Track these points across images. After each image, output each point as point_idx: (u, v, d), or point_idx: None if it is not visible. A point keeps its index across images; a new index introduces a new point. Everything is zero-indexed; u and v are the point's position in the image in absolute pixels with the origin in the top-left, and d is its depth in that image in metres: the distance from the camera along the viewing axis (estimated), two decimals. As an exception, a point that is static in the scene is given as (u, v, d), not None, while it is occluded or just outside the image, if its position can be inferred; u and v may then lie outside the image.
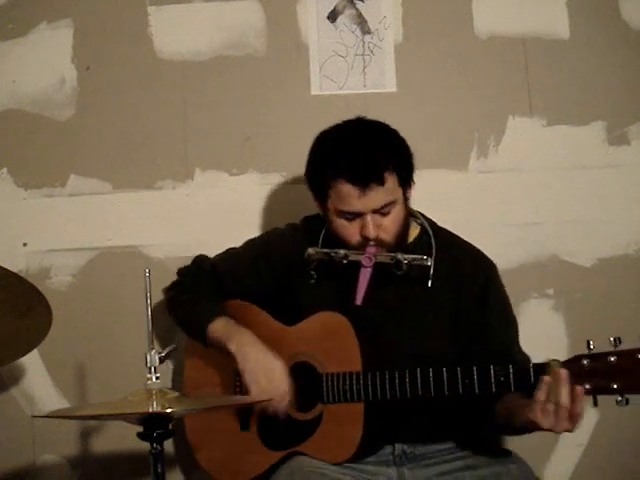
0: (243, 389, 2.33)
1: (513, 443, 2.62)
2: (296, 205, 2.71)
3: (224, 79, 2.82)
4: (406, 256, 2.24)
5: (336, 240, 2.30)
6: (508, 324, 2.38)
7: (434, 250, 2.32)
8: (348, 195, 2.21)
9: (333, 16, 2.81)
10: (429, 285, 2.29)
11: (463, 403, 2.22)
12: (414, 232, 2.38)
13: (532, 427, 2.06)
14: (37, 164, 2.81)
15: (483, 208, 2.78)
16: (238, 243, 2.53)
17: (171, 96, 2.82)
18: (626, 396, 1.96)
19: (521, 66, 2.80)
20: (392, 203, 2.24)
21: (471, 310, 2.32)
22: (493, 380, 2.10)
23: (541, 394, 2.03)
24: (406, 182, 2.28)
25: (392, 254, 2.24)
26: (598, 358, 1.99)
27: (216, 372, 2.41)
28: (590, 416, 2.72)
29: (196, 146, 2.81)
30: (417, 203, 2.39)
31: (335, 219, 2.27)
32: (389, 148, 2.26)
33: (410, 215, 2.36)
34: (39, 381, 2.77)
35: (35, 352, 2.61)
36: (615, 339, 1.98)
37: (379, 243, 2.24)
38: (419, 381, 2.16)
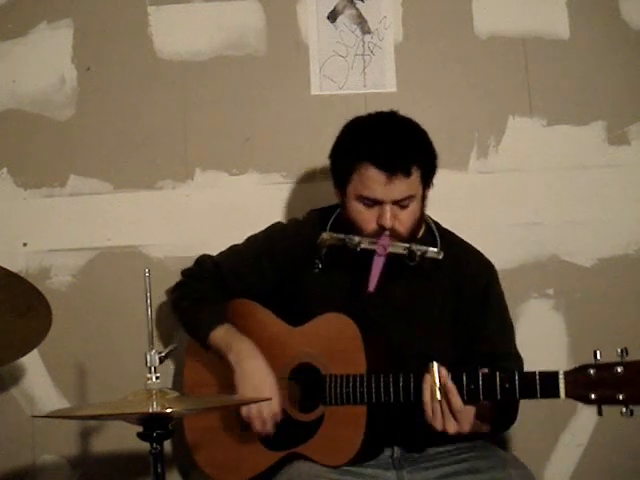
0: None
1: (513, 443, 2.62)
2: (296, 205, 2.71)
3: (224, 79, 2.82)
4: (420, 247, 2.24)
5: (348, 228, 2.29)
6: (505, 326, 2.40)
7: (438, 247, 2.32)
8: (373, 180, 2.22)
9: (333, 16, 2.81)
10: (434, 278, 2.31)
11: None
12: (420, 231, 2.39)
13: (434, 431, 2.11)
14: (37, 164, 2.81)
15: (483, 208, 2.78)
16: (238, 243, 2.53)
17: (171, 96, 2.82)
18: (631, 407, 1.96)
19: (521, 66, 2.80)
20: (412, 197, 2.26)
21: (471, 311, 2.34)
22: (498, 387, 2.08)
23: (425, 394, 2.10)
24: (428, 181, 2.30)
25: (406, 244, 2.24)
26: (605, 368, 1.99)
27: (216, 373, 2.41)
28: (590, 416, 2.72)
29: (196, 146, 2.81)
30: (417, 203, 2.39)
31: (353, 204, 2.27)
32: (419, 144, 2.29)
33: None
34: (39, 381, 2.77)
35: (35, 352, 2.61)
36: (622, 350, 1.98)
37: (393, 234, 2.24)
38: (424, 385, 2.14)
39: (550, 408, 2.66)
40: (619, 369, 1.97)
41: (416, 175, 2.25)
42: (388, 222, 2.23)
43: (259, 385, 2.27)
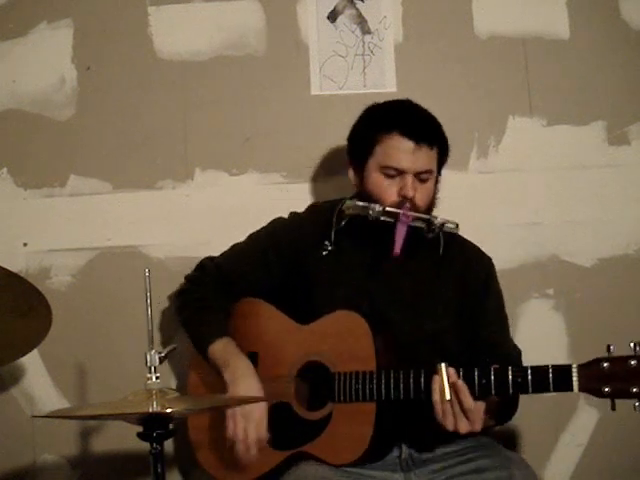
0: None
1: (514, 443, 2.62)
2: (296, 205, 2.71)
3: (224, 79, 2.82)
4: (439, 219, 2.28)
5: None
6: (503, 319, 2.44)
7: (442, 242, 2.37)
8: (399, 149, 2.27)
9: (333, 16, 2.81)
10: (441, 268, 2.35)
11: None
12: None
13: (445, 431, 2.11)
14: (37, 164, 2.81)
15: (483, 208, 2.78)
16: (239, 242, 2.53)
17: (171, 96, 2.82)
18: None
19: (521, 66, 2.80)
20: (431, 172, 2.32)
21: (472, 302, 2.36)
22: (510, 382, 2.08)
23: (435, 395, 2.10)
24: (442, 163, 2.36)
25: (426, 215, 2.28)
26: (618, 362, 1.99)
27: (219, 384, 2.37)
28: (590, 416, 2.73)
29: (196, 146, 2.81)
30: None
31: (374, 177, 2.31)
32: (439, 126, 2.36)
33: None
34: (39, 381, 2.77)
35: (35, 352, 2.61)
36: (635, 344, 1.98)
37: (413, 207, 2.27)
38: (433, 386, 2.13)
39: (550, 408, 2.66)
40: (632, 362, 1.97)
41: (436, 152, 2.32)
42: (410, 192, 2.27)
43: (248, 408, 2.25)
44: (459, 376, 2.11)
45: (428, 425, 2.15)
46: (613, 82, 2.80)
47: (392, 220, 2.25)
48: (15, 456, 2.76)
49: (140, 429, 1.90)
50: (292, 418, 2.29)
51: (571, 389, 2.03)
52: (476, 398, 2.10)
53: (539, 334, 2.72)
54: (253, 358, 2.35)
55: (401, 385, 2.17)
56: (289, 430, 2.29)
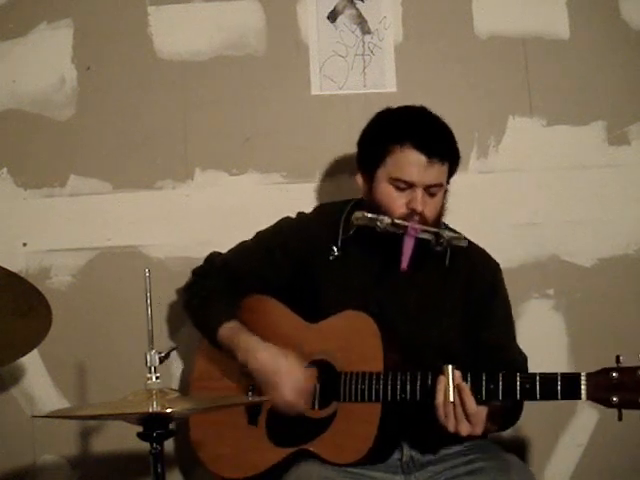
0: (256, 389, 2.34)
1: (514, 443, 2.62)
2: (296, 205, 2.71)
3: (224, 79, 2.82)
4: (447, 233, 2.27)
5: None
6: (509, 324, 2.42)
7: (449, 252, 2.35)
8: (410, 163, 2.24)
9: (333, 16, 2.81)
10: (448, 274, 2.34)
11: None
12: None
13: (446, 432, 2.11)
14: (37, 164, 2.81)
15: (483, 208, 2.78)
16: (247, 239, 2.53)
17: (171, 96, 2.82)
18: None
19: (521, 66, 2.80)
20: (441, 186, 2.30)
21: (479, 306, 2.35)
22: (518, 387, 2.08)
23: (439, 396, 2.10)
24: (451, 176, 2.34)
25: (434, 229, 2.26)
26: (627, 372, 1.99)
27: (226, 370, 2.40)
28: (590, 416, 2.73)
29: (196, 146, 2.81)
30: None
31: (383, 187, 2.29)
32: (452, 138, 2.33)
33: None
34: (39, 381, 2.77)
35: (35, 352, 2.60)
36: None
37: (422, 219, 2.26)
38: (437, 387, 2.13)
39: (550, 409, 2.66)
40: None
41: (446, 166, 2.29)
42: (419, 206, 2.25)
43: (275, 374, 2.26)
44: (467, 379, 2.11)
45: (432, 427, 2.15)
46: (613, 82, 2.80)
47: (400, 232, 2.24)
48: (15, 456, 2.76)
49: (140, 429, 1.90)
50: (295, 415, 2.28)
51: (579, 397, 2.03)
52: (482, 402, 2.10)
53: (539, 334, 2.72)
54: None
55: (408, 387, 2.17)
56: (292, 427, 2.28)
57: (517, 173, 2.80)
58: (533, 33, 2.81)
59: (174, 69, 2.82)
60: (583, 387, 2.02)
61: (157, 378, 1.92)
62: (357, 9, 2.81)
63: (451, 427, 2.10)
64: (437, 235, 2.25)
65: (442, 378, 2.11)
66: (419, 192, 2.25)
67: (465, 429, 2.10)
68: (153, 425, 1.88)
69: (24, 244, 2.79)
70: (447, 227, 2.40)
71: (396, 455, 2.28)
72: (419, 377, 2.17)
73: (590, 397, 2.02)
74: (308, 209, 2.54)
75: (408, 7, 2.81)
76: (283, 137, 2.81)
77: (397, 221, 2.25)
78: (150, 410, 1.84)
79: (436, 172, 2.26)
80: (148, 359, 1.93)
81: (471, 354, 2.30)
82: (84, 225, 2.79)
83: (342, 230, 2.38)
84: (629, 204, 2.78)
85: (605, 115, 2.79)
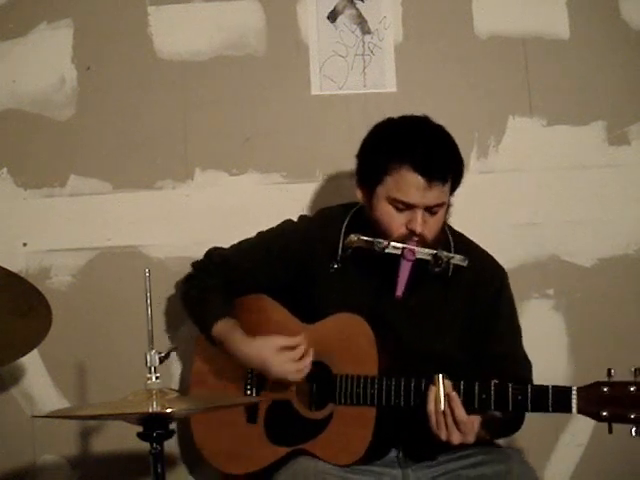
0: (254, 382, 2.35)
1: (514, 443, 2.62)
2: (296, 205, 2.71)
3: (224, 79, 2.82)
4: (446, 254, 2.23)
5: (367, 228, 2.27)
6: (515, 331, 2.39)
7: (451, 265, 2.29)
8: (410, 185, 2.18)
9: (333, 16, 2.81)
10: (450, 283, 2.29)
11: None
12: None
13: (439, 441, 2.12)
14: (37, 164, 2.81)
15: (483, 208, 2.78)
16: (249, 237, 2.53)
17: (171, 96, 2.82)
18: None
19: (521, 66, 2.80)
20: (442, 205, 2.24)
21: (483, 315, 2.33)
22: (510, 398, 2.08)
23: (430, 405, 2.10)
24: (455, 189, 2.28)
25: (433, 250, 2.22)
26: (618, 386, 2.00)
27: (224, 367, 2.41)
28: (590, 416, 2.73)
29: (196, 146, 2.81)
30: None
31: (383, 206, 2.23)
32: (455, 154, 2.27)
33: None
34: (39, 381, 2.77)
35: (35, 352, 2.61)
36: (636, 369, 1.99)
37: (421, 240, 2.22)
38: (429, 396, 2.13)
39: (550, 408, 2.66)
40: (632, 388, 1.98)
41: (449, 184, 2.23)
42: (419, 227, 2.20)
43: (260, 355, 2.27)
44: (460, 389, 2.11)
45: (427, 433, 2.15)
46: (613, 82, 2.80)
47: (398, 253, 2.21)
48: (15, 456, 2.76)
49: (140, 429, 1.90)
50: (293, 415, 2.30)
51: (570, 411, 2.03)
52: (475, 412, 2.10)
53: (539, 334, 2.71)
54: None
55: (402, 392, 2.18)
56: (290, 427, 2.30)
57: (517, 173, 2.80)
58: (533, 33, 2.81)
59: (174, 69, 2.82)
60: (574, 401, 2.03)
61: (157, 378, 1.92)
62: (357, 9, 2.81)
63: (443, 436, 2.11)
64: (436, 256, 2.22)
65: (433, 387, 2.11)
66: (419, 213, 2.20)
67: (456, 438, 2.10)
68: (153, 425, 1.88)
69: (24, 244, 2.79)
70: (452, 231, 2.38)
71: (393, 453, 2.29)
72: (413, 383, 2.17)
73: (580, 411, 2.03)
74: (308, 209, 2.54)
75: (408, 7, 2.81)
76: (283, 137, 2.81)
77: (393, 243, 2.21)
78: (150, 410, 1.84)
79: (437, 193, 2.20)
80: (148, 359, 1.93)
81: (473, 365, 2.28)
82: (84, 225, 2.79)
83: (341, 244, 2.33)
84: (629, 204, 2.78)
85: (605, 115, 2.79)
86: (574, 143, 2.80)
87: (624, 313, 2.76)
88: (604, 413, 2.00)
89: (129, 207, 2.80)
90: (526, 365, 2.33)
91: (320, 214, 2.51)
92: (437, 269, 2.22)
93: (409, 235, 2.21)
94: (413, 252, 2.20)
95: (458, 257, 2.24)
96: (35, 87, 2.82)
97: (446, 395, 2.09)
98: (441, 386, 2.10)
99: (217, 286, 2.42)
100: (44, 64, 2.81)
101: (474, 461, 2.21)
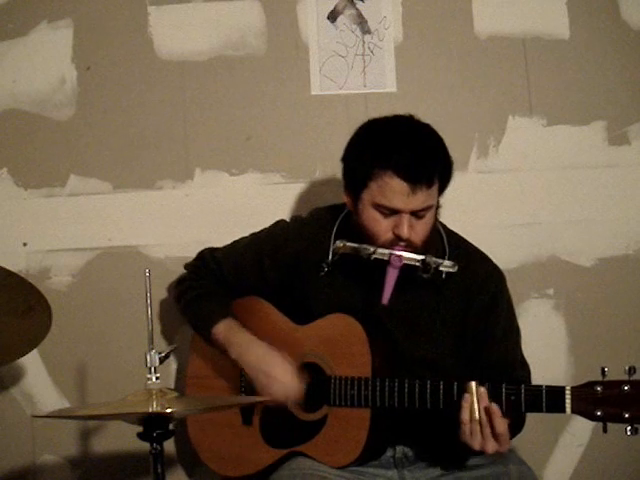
0: (247, 384, 2.35)
1: (513, 443, 2.62)
2: (296, 205, 2.71)
3: (224, 79, 2.82)
4: (435, 260, 2.19)
5: (356, 232, 2.25)
6: (512, 335, 2.35)
7: (447, 256, 2.28)
8: (394, 191, 2.13)
9: (333, 16, 2.81)
10: (442, 287, 2.26)
11: None
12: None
13: (468, 449, 2.09)
14: (37, 164, 2.81)
15: (483, 208, 2.78)
16: (232, 241, 2.53)
17: (171, 96, 2.82)
18: (636, 426, 1.97)
19: (521, 66, 2.80)
20: (430, 208, 2.19)
21: (479, 319, 2.30)
22: (504, 399, 2.07)
23: (464, 414, 2.07)
24: (444, 190, 2.24)
25: (421, 256, 2.18)
26: (612, 386, 1.99)
27: (220, 366, 2.41)
28: (590, 416, 2.73)
29: (196, 146, 2.81)
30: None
31: (368, 212, 2.19)
32: (441, 153, 2.21)
33: None
34: (39, 381, 2.77)
35: (35, 352, 2.61)
36: (630, 368, 1.98)
37: (408, 245, 2.18)
38: (428, 393, 2.14)
39: (550, 408, 2.66)
40: (626, 387, 1.97)
41: (436, 185, 2.19)
42: (405, 233, 2.16)
43: (269, 376, 2.25)
44: (453, 391, 2.10)
45: (422, 425, 2.15)
46: (613, 82, 2.80)
47: (385, 259, 2.18)
48: (15, 456, 2.76)
49: (140, 429, 1.90)
50: (288, 417, 2.29)
51: (564, 411, 2.03)
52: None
53: (539, 334, 2.72)
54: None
55: (396, 393, 2.17)
56: (285, 428, 2.29)
57: (517, 173, 2.80)
58: (533, 33, 2.81)
59: (174, 69, 2.82)
60: (568, 401, 2.02)
61: (157, 378, 1.92)
62: (357, 9, 2.81)
63: (477, 445, 2.07)
64: (424, 262, 2.18)
65: (467, 396, 2.07)
66: (405, 218, 2.15)
67: (491, 447, 2.06)
68: (153, 425, 1.88)
69: (24, 244, 2.79)
70: (443, 227, 2.36)
71: (389, 453, 2.29)
72: (407, 384, 2.16)
73: (574, 410, 2.02)
74: (308, 209, 2.54)
75: (408, 7, 2.81)
76: (283, 137, 2.81)
77: (380, 250, 2.18)
78: (150, 410, 1.84)
79: (423, 197, 2.14)
80: (148, 359, 1.93)
81: (466, 372, 2.24)
82: (84, 225, 2.79)
83: (332, 248, 2.29)
84: (629, 204, 2.78)
85: (605, 115, 2.79)
86: (574, 143, 2.80)
87: (624, 313, 2.76)
88: (598, 413, 1.99)
89: (129, 207, 2.80)
90: (523, 369, 2.31)
91: (312, 215, 2.48)
92: (426, 275, 2.19)
93: (396, 240, 2.18)
94: (400, 258, 2.17)
95: (447, 263, 2.20)
96: (35, 87, 2.81)
97: (484, 406, 2.06)
98: (474, 393, 2.06)
99: (212, 289, 2.42)
100: (44, 64, 2.81)
101: (472, 462, 2.21)
